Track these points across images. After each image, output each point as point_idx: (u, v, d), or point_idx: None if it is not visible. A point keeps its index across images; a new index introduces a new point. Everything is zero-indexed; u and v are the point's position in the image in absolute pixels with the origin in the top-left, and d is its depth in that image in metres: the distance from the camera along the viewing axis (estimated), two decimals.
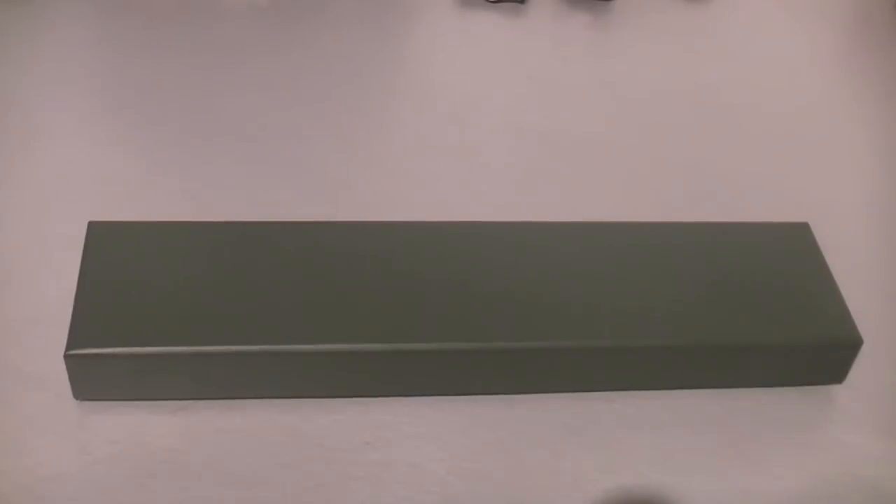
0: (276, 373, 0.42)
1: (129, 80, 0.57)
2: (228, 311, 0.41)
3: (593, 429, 0.43)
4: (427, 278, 0.43)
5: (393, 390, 0.43)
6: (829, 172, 0.57)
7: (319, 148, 0.54)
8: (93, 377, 0.41)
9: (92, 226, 0.44)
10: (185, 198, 0.51)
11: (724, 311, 0.44)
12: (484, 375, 0.43)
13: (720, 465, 0.43)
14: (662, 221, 0.48)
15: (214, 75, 0.58)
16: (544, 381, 0.44)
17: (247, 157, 0.53)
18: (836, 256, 0.47)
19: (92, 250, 0.43)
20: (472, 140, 0.56)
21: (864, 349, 0.44)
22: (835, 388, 0.46)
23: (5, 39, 0.59)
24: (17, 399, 0.42)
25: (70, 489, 0.39)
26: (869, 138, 0.60)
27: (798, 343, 0.44)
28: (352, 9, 0.64)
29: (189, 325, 0.41)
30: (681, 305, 0.44)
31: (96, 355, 0.40)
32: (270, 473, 0.40)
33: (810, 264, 0.46)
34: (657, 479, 0.42)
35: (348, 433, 0.42)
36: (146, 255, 0.43)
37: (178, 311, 0.41)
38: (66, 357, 0.40)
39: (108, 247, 0.43)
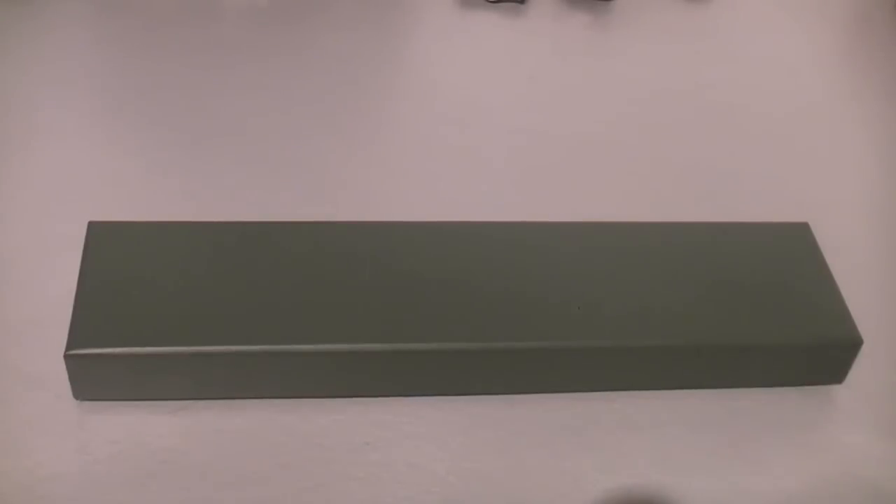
0: (276, 373, 0.42)
1: (129, 80, 0.57)
2: (228, 311, 0.41)
3: (593, 429, 0.43)
4: (427, 278, 0.43)
5: (393, 390, 0.43)
6: (829, 172, 0.57)
7: (319, 148, 0.54)
8: (93, 377, 0.41)
9: (92, 226, 0.44)
10: (185, 198, 0.51)
11: (724, 311, 0.44)
12: (484, 375, 0.43)
13: (720, 465, 0.43)
14: (662, 221, 0.48)
15: (214, 75, 0.58)
16: (544, 381, 0.44)
17: (247, 157, 0.53)
18: (836, 256, 0.47)
19: (92, 250, 0.43)
20: (472, 140, 0.56)
21: (864, 349, 0.44)
22: (835, 388, 0.46)
23: (5, 39, 0.59)
24: (17, 399, 0.42)
25: (70, 489, 0.39)
26: (869, 138, 0.60)
27: (798, 343, 0.44)
28: (352, 9, 0.64)
29: (189, 325, 0.41)
30: (681, 305, 0.44)
31: (96, 355, 0.40)
32: (270, 473, 0.40)
33: (810, 264, 0.46)
34: (657, 479, 0.42)
35: (348, 433, 0.42)
36: (146, 255, 0.43)
37: (178, 311, 0.41)
38: (66, 357, 0.40)
39: (108, 247, 0.43)
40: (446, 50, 0.63)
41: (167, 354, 0.40)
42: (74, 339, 0.40)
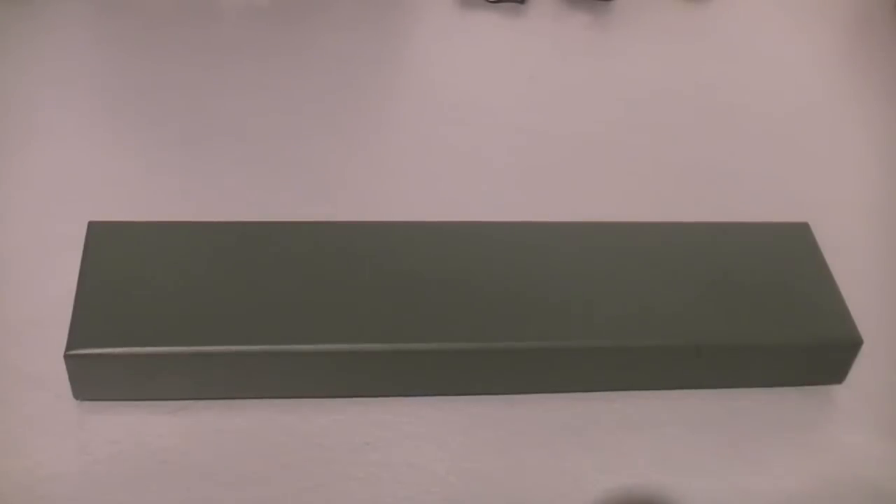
0: (276, 373, 0.42)
1: (128, 80, 0.57)
2: (228, 311, 0.41)
3: (593, 429, 0.43)
4: (427, 278, 0.43)
5: (393, 390, 0.43)
6: (829, 172, 0.57)
7: (319, 148, 0.54)
8: (93, 377, 0.41)
9: (92, 226, 0.44)
10: (185, 198, 0.51)
11: (724, 311, 0.44)
12: (484, 375, 0.43)
13: (720, 465, 0.43)
14: (662, 221, 0.48)
15: (214, 75, 0.58)
16: (544, 381, 0.44)
17: (247, 157, 0.53)
18: (836, 256, 0.47)
19: (92, 250, 0.43)
20: (472, 140, 0.56)
21: (864, 349, 0.44)
22: (835, 388, 0.46)
23: (5, 39, 0.59)
24: (17, 399, 0.42)
25: (70, 489, 0.39)
26: (869, 138, 0.60)
27: (798, 343, 0.44)
28: (352, 9, 0.64)
29: (189, 325, 0.41)
30: (681, 305, 0.44)
31: (96, 355, 0.40)
32: (270, 473, 0.40)
33: (810, 264, 0.46)
34: (657, 479, 0.42)
35: (348, 433, 0.42)
36: (146, 255, 0.43)
37: (178, 311, 0.41)
38: (66, 357, 0.40)
39: (108, 247, 0.43)
40: (446, 50, 0.63)
41: (167, 354, 0.40)
42: (74, 339, 0.40)
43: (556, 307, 0.43)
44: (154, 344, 0.40)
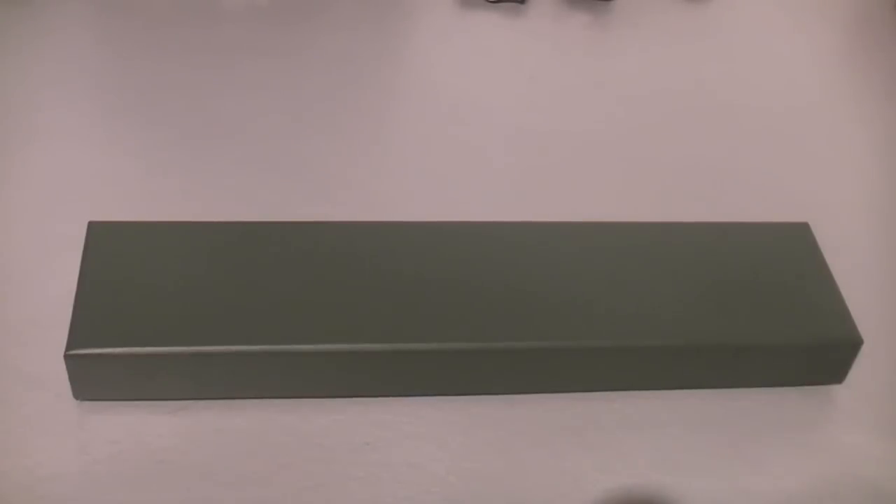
0: (276, 373, 0.42)
1: (128, 80, 0.57)
2: (228, 311, 0.41)
3: (593, 429, 0.43)
4: (427, 278, 0.43)
5: (393, 390, 0.43)
6: (829, 172, 0.57)
7: (319, 148, 0.54)
8: (93, 377, 0.41)
9: (92, 226, 0.44)
10: (185, 198, 0.51)
11: (724, 311, 0.44)
12: (484, 375, 0.43)
13: (720, 465, 0.43)
14: (662, 221, 0.48)
15: (214, 76, 0.58)
16: (544, 381, 0.44)
17: (247, 157, 0.53)
18: (836, 256, 0.47)
19: (92, 250, 0.43)
20: (472, 140, 0.56)
21: (864, 349, 0.44)
22: (835, 388, 0.46)
23: (5, 39, 0.59)
24: (17, 399, 0.42)
25: (70, 489, 0.39)
26: (869, 138, 0.60)
27: (798, 343, 0.44)
28: (352, 9, 0.64)
29: (189, 325, 0.41)
30: (681, 305, 0.44)
31: (96, 355, 0.40)
32: (270, 473, 0.40)
33: (810, 264, 0.46)
34: (657, 479, 0.42)
35: (348, 433, 0.42)
36: (146, 255, 0.43)
37: (178, 311, 0.41)
38: (66, 357, 0.40)
39: (108, 247, 0.43)
40: (446, 50, 0.63)
41: (167, 354, 0.40)
42: (74, 339, 0.40)
43: (556, 307, 0.43)
44: (154, 344, 0.40)
